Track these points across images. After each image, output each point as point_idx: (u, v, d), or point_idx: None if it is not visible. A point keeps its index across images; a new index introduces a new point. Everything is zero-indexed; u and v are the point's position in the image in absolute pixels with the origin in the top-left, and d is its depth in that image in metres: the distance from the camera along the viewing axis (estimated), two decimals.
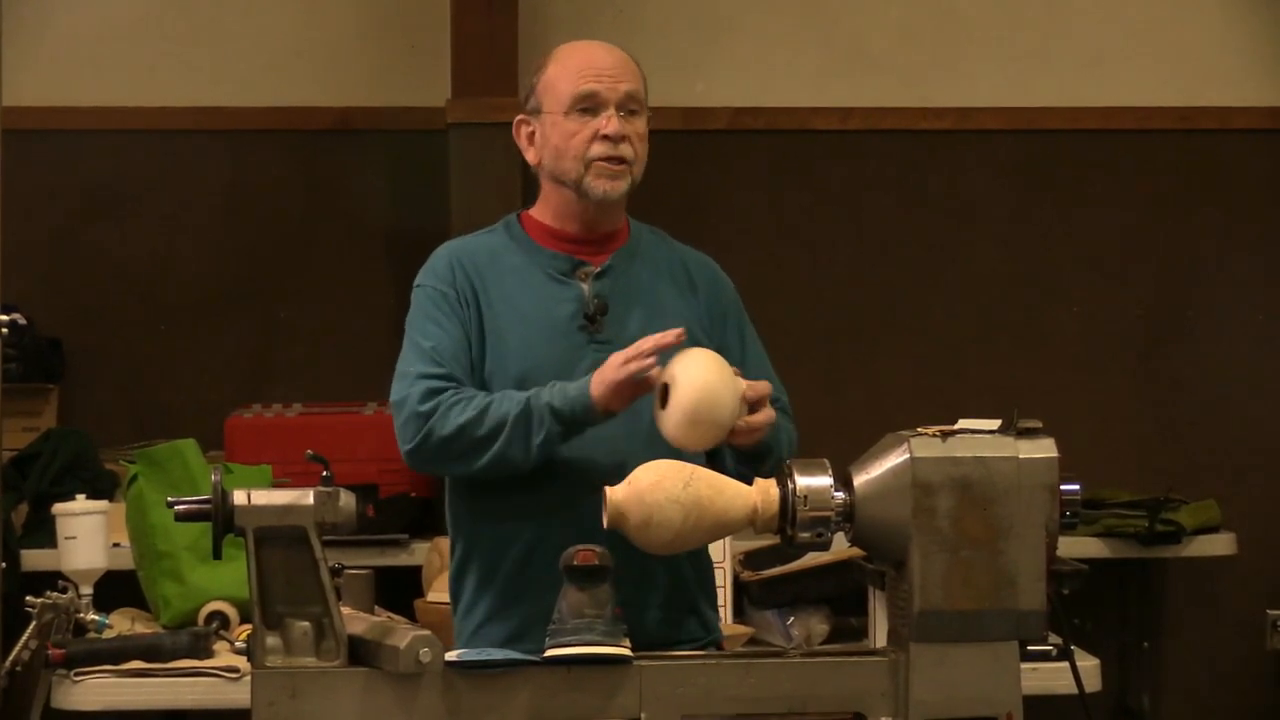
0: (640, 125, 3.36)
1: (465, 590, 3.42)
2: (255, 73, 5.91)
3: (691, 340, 3.26)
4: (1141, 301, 6.02)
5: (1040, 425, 2.74)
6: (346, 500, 2.77)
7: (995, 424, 2.76)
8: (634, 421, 3.22)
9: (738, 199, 5.96)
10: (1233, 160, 6.01)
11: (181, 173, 5.93)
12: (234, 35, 5.91)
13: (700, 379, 3.09)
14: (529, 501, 3.29)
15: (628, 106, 3.34)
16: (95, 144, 5.89)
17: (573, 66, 3.36)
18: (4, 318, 3.99)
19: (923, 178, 6.01)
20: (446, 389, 3.29)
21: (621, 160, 3.33)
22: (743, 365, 3.33)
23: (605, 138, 3.32)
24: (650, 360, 3.14)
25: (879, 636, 3.77)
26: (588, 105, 3.33)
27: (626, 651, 2.75)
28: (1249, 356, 6.00)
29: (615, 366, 3.17)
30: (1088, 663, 4.29)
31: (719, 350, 3.28)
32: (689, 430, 3.09)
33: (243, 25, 5.92)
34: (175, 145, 5.91)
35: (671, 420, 3.09)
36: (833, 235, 6.00)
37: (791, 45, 5.97)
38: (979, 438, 2.73)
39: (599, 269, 3.38)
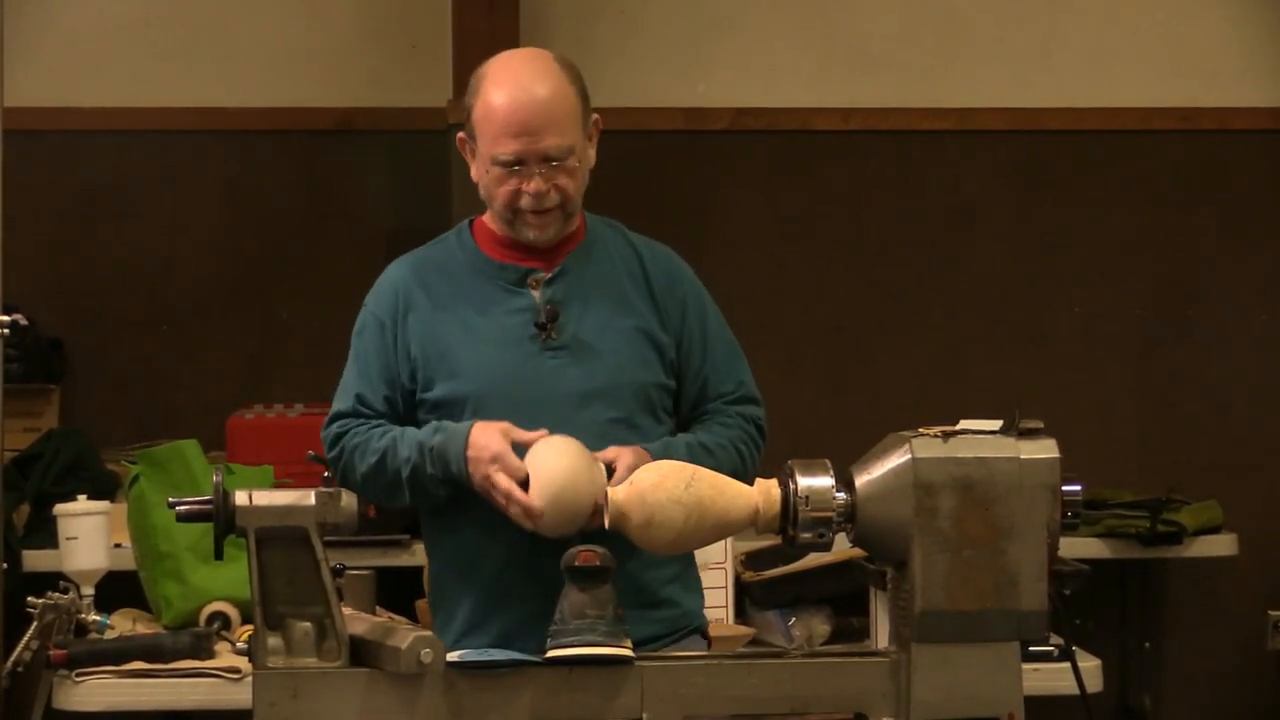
0: (570, 162, 3.31)
1: (443, 603, 3.44)
2: (257, 73, 5.91)
3: (645, 335, 3.35)
4: (1142, 302, 6.02)
5: (1041, 425, 2.74)
6: (348, 501, 2.77)
7: (997, 424, 2.76)
8: (605, 432, 3.26)
9: (738, 199, 5.97)
10: (1233, 161, 6.01)
11: (182, 173, 5.93)
12: (235, 36, 5.92)
13: (555, 469, 3.13)
14: (498, 515, 3.28)
15: (553, 159, 3.30)
16: (97, 144, 5.89)
17: (497, 119, 3.29)
18: (5, 318, 4.00)
19: (923, 178, 6.01)
20: (346, 432, 3.38)
21: (548, 210, 3.33)
22: (703, 355, 3.41)
23: (530, 194, 3.31)
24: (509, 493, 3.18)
25: (880, 637, 3.78)
26: (511, 164, 3.30)
27: (628, 652, 2.75)
28: (1250, 357, 6.00)
29: (482, 465, 3.21)
30: (1089, 663, 4.29)
31: (679, 340, 3.39)
32: (554, 518, 3.13)
33: (244, 26, 5.92)
34: (176, 146, 5.91)
35: (542, 508, 3.14)
36: (833, 236, 6.00)
37: (792, 46, 5.97)
38: (980, 438, 2.73)
39: (550, 275, 3.38)
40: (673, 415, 3.45)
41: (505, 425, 3.24)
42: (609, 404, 3.32)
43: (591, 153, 3.39)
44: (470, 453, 3.24)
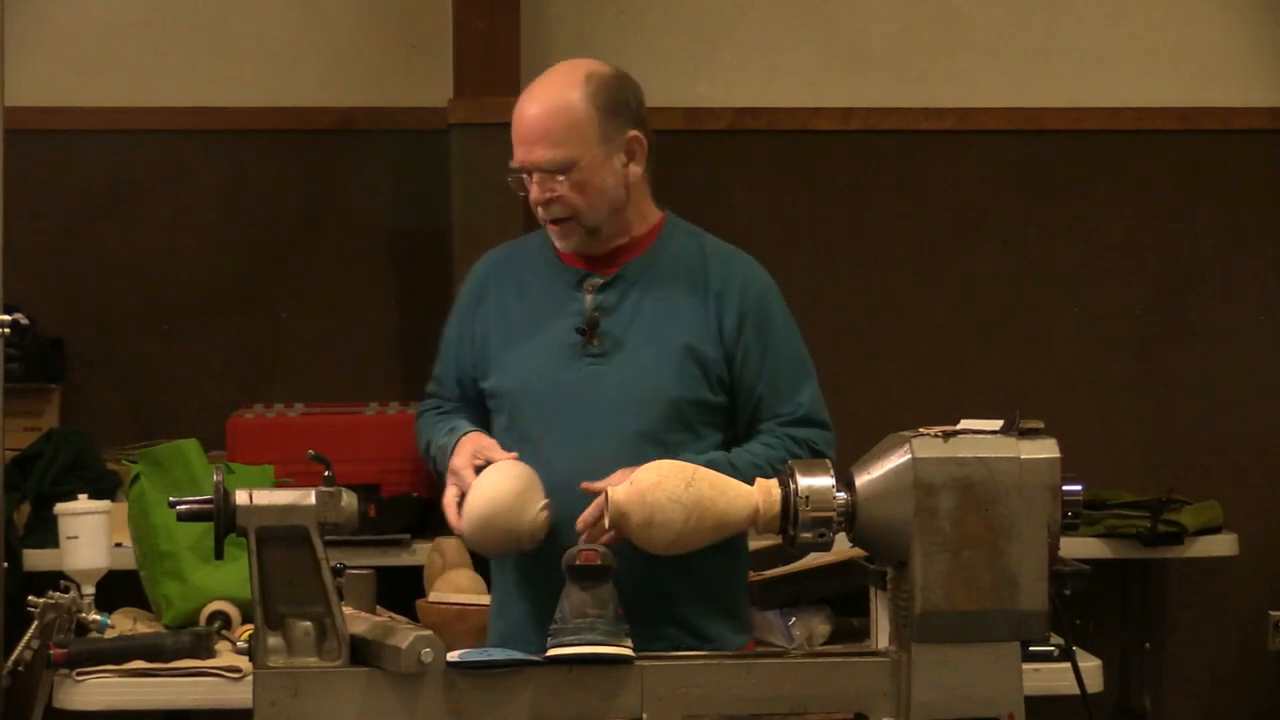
0: (574, 175, 3.30)
1: (495, 577, 3.54)
2: (256, 73, 5.91)
3: (689, 349, 3.30)
4: (1143, 302, 6.02)
5: (1042, 425, 2.75)
6: (348, 500, 2.77)
7: (997, 424, 2.76)
8: (631, 444, 3.27)
9: (739, 199, 5.96)
10: (1234, 161, 6.01)
11: (183, 172, 5.93)
12: (235, 35, 5.91)
13: (485, 495, 3.20)
14: None
15: (543, 170, 3.31)
16: (96, 144, 5.89)
17: (514, 127, 3.35)
18: (5, 317, 4.00)
19: (924, 178, 6.01)
20: (423, 413, 3.54)
21: (558, 220, 3.34)
22: (759, 373, 3.34)
23: (534, 202, 3.36)
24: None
25: (880, 637, 3.78)
26: (517, 172, 3.35)
27: (628, 651, 2.75)
28: (1250, 357, 6.00)
29: (447, 475, 3.35)
30: (1089, 663, 4.29)
31: (732, 355, 3.32)
32: (476, 537, 3.22)
33: (244, 25, 5.91)
34: (176, 145, 5.91)
35: (464, 527, 3.24)
36: (834, 236, 6.00)
37: (792, 46, 5.97)
38: (981, 438, 2.73)
39: (604, 281, 3.38)
40: (725, 429, 3.38)
41: (488, 443, 3.31)
42: (637, 416, 3.31)
43: (632, 168, 3.37)
44: (450, 460, 3.34)
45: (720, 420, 3.37)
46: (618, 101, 3.34)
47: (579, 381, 3.33)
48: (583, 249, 3.37)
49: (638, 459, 3.17)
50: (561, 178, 3.30)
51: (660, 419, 3.30)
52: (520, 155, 3.32)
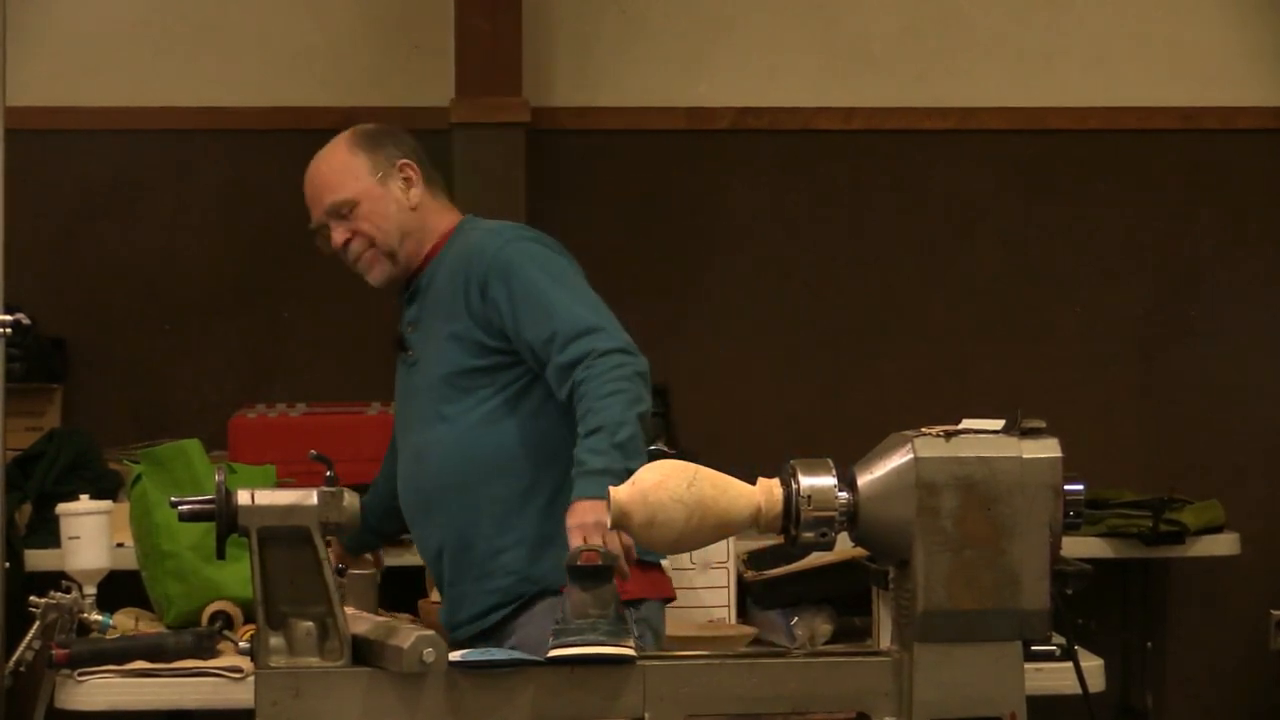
0: (361, 209, 3.73)
1: None
2: (258, 72, 5.91)
3: (451, 332, 3.65)
4: (1145, 301, 6.02)
5: (1044, 425, 2.74)
6: (350, 500, 2.78)
7: (999, 424, 2.76)
8: (429, 424, 3.67)
9: (741, 199, 5.97)
10: (1236, 160, 6.01)
11: (184, 172, 5.94)
12: (237, 35, 5.92)
13: None
14: None
15: (335, 215, 3.74)
16: (98, 144, 5.89)
17: (306, 198, 3.85)
18: (7, 317, 4.00)
19: (926, 178, 6.01)
20: None
21: (358, 256, 3.76)
22: (516, 322, 3.59)
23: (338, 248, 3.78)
24: None
25: (883, 637, 3.77)
26: (319, 228, 3.83)
27: (630, 651, 2.75)
28: (1252, 356, 6.00)
29: None
30: (1091, 663, 4.28)
31: (489, 320, 3.61)
32: None
33: (245, 25, 5.92)
34: (178, 145, 5.91)
35: None
36: (836, 235, 6.00)
37: (795, 45, 5.97)
38: (983, 438, 2.73)
39: (407, 298, 3.78)
40: (508, 383, 3.63)
41: None
42: (425, 402, 3.70)
43: (412, 193, 3.76)
44: None
45: (497, 378, 3.64)
46: (379, 142, 3.79)
47: (404, 388, 3.79)
48: (389, 281, 3.76)
49: (433, 439, 3.65)
50: (349, 214, 3.72)
51: (438, 397, 3.66)
52: (315, 214, 3.77)
